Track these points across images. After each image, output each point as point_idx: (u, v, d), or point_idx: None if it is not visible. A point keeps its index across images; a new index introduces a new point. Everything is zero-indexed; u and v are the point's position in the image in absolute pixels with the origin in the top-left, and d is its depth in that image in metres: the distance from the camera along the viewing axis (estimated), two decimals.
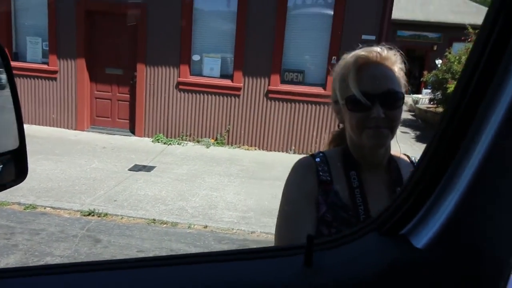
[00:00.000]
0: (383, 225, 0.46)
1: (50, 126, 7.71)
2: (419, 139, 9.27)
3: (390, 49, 1.04)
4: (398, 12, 14.81)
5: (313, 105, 7.16)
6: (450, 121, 0.40)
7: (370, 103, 0.96)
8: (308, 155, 1.12)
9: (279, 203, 1.05)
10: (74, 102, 7.62)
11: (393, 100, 0.98)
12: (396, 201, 0.47)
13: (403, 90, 1.02)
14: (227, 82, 7.27)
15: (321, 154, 1.11)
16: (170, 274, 0.49)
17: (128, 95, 7.68)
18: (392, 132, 1.00)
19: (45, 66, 7.56)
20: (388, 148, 1.06)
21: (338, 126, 1.13)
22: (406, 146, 8.14)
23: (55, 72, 7.55)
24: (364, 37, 6.74)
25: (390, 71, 1.00)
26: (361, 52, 1.02)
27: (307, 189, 1.03)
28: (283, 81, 7.19)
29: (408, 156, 1.11)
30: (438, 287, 0.42)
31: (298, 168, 1.07)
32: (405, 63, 1.05)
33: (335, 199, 1.01)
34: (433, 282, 0.42)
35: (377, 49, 1.02)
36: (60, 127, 7.69)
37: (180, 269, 0.49)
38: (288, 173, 1.08)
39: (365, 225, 0.47)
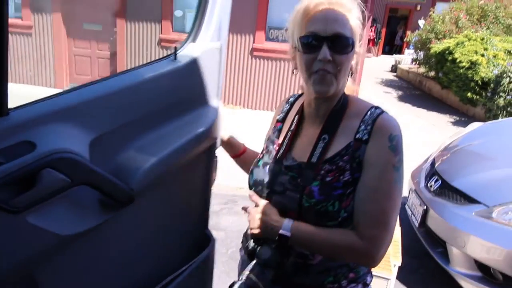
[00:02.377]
0: None
1: (27, 84, 7.43)
2: (401, 98, 9.38)
3: None
4: None
5: None
6: None
7: (317, 44, 0.98)
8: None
9: None
10: (52, 58, 7.34)
11: (341, 44, 0.99)
12: None
13: (356, 38, 1.02)
14: None
15: (296, 95, 1.26)
16: None
17: (109, 52, 7.43)
18: (337, 79, 1.00)
19: (18, 21, 7.19)
20: (332, 101, 1.06)
21: (293, 72, 1.12)
22: (388, 105, 8.30)
23: (29, 27, 7.19)
24: None
25: (342, 16, 1.00)
26: None
27: (272, 122, 1.28)
28: (268, 39, 7.07)
29: (370, 110, 1.05)
30: None
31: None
32: (363, 12, 1.05)
33: (272, 134, 1.21)
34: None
35: None
36: (38, 85, 7.43)
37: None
38: None
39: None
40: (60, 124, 0.80)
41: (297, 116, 1.14)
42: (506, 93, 6.63)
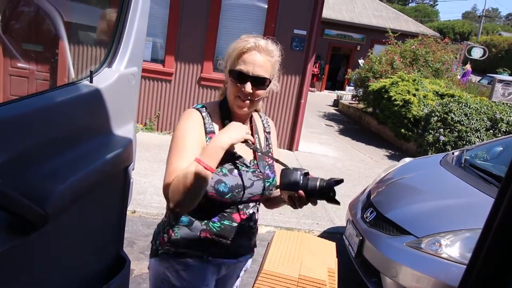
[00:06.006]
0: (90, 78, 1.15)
1: None
2: (342, 132, 9.82)
3: (275, 44, 1.38)
4: (326, 11, 15.43)
5: None
6: None
7: (244, 80, 1.32)
8: (194, 109, 1.40)
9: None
10: None
11: (261, 83, 1.35)
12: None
13: (272, 76, 1.38)
14: (158, 67, 7.07)
15: (204, 107, 1.42)
16: None
17: (49, 74, 7.11)
18: (253, 104, 1.38)
19: None
20: (252, 110, 1.45)
21: (224, 85, 1.45)
22: (330, 138, 8.55)
23: None
24: (296, 31, 6.97)
25: (266, 62, 1.34)
26: (252, 39, 1.34)
27: (198, 137, 1.35)
28: (216, 69, 7.17)
29: (260, 113, 1.60)
30: None
31: (189, 122, 1.36)
32: (282, 55, 1.42)
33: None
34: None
35: (264, 42, 1.35)
36: None
37: None
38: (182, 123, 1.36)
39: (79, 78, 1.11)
40: None
41: (227, 120, 1.39)
42: (435, 131, 7.19)
